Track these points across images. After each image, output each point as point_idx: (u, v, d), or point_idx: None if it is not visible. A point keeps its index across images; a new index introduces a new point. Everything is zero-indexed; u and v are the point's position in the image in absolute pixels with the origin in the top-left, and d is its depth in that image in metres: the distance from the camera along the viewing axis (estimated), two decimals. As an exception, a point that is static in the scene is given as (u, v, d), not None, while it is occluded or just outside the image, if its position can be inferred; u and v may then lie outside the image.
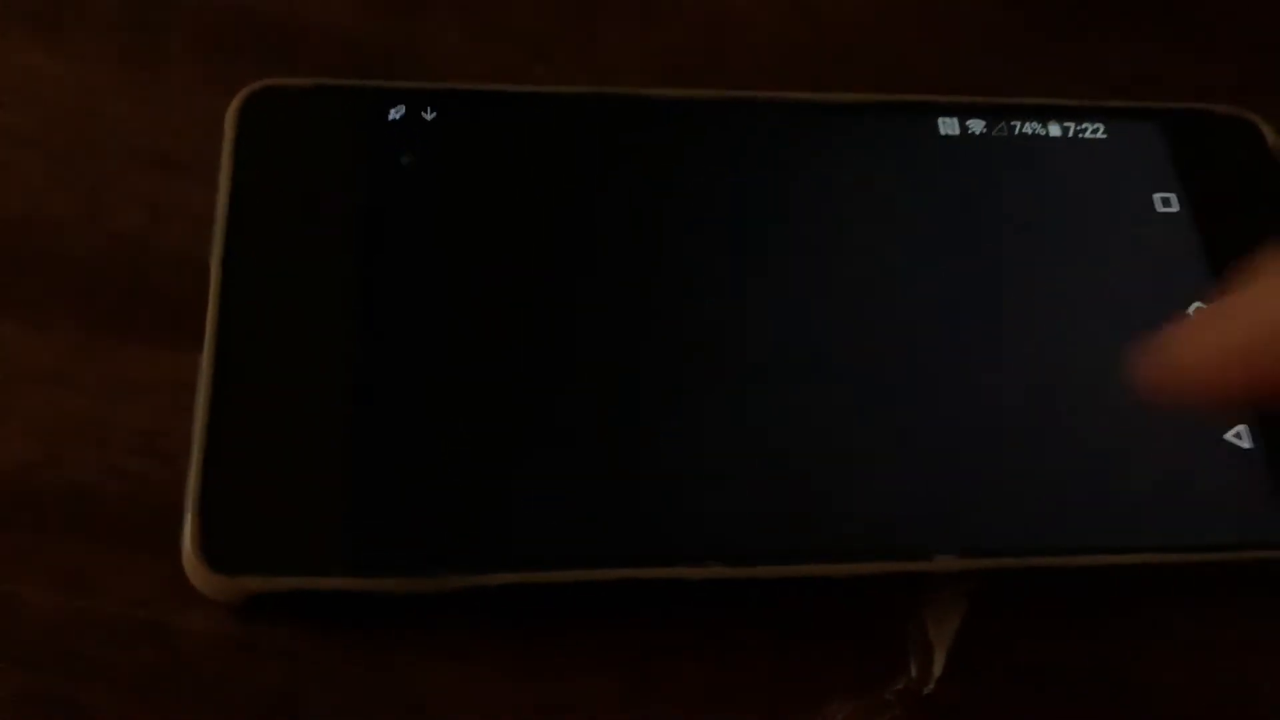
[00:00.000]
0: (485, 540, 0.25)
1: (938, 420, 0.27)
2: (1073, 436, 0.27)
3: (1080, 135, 0.31)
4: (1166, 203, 0.31)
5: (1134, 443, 0.27)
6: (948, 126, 0.31)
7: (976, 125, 0.31)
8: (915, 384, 0.28)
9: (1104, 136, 0.32)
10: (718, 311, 0.28)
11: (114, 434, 0.26)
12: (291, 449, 0.25)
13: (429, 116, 0.29)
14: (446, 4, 0.32)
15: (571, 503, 0.25)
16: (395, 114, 0.29)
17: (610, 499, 0.25)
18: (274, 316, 0.26)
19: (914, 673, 0.26)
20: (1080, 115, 0.32)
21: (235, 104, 0.28)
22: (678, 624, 0.26)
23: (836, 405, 0.27)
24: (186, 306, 0.26)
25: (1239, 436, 0.28)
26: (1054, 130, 0.31)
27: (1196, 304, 0.29)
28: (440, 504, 0.25)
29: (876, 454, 0.27)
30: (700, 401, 0.27)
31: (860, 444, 0.27)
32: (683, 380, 0.27)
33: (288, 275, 0.27)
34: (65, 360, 0.26)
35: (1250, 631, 0.27)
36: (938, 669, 0.26)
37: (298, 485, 0.25)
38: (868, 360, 0.28)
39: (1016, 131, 0.31)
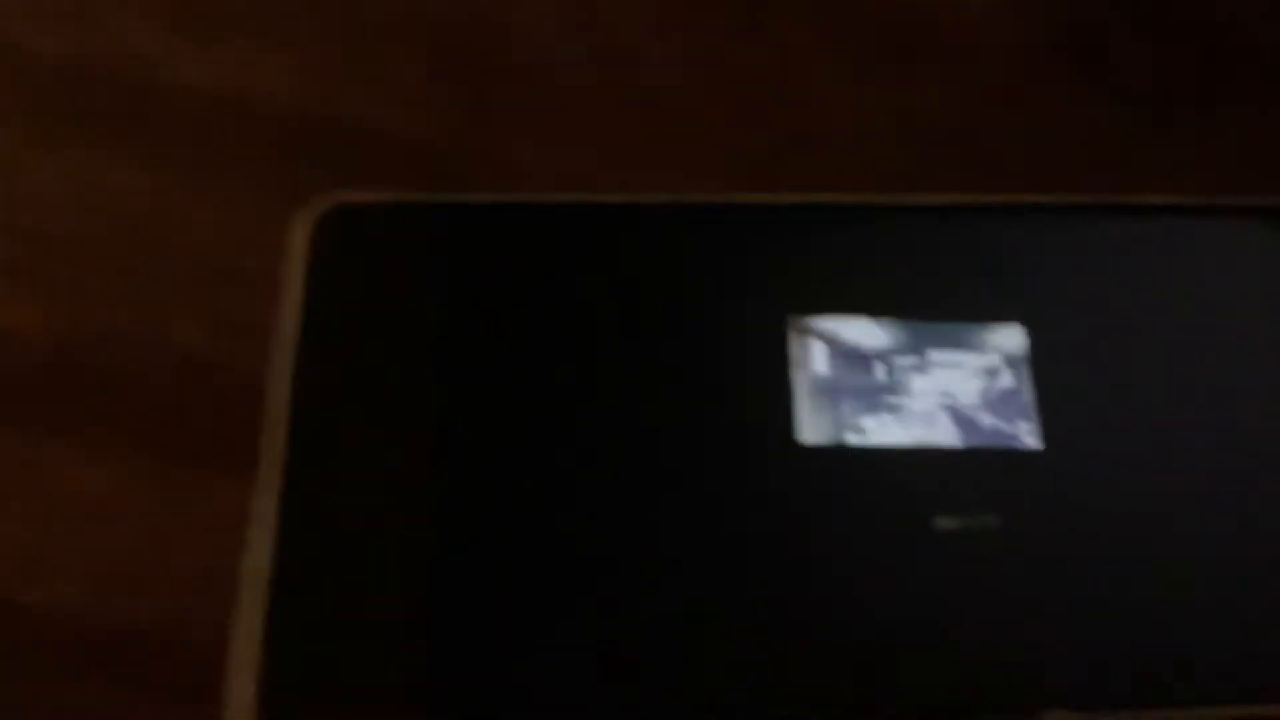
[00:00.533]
0: (580, 700, 0.23)
1: (1036, 552, 0.25)
2: (1191, 567, 0.25)
3: (1204, 233, 0.30)
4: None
5: (1256, 573, 0.25)
6: (1058, 225, 0.29)
7: (1098, 225, 0.29)
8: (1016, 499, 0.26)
9: (1226, 233, 0.30)
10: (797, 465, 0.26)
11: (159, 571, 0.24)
12: (364, 596, 0.23)
13: (507, 232, 0.28)
14: (525, 110, 0.31)
15: (628, 658, 0.23)
16: (470, 231, 0.28)
17: (665, 653, 0.23)
18: (343, 448, 0.25)
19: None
20: (1201, 212, 0.30)
21: (307, 222, 0.27)
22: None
23: (918, 541, 0.25)
24: (240, 432, 0.25)
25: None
26: (1177, 229, 0.30)
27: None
28: (530, 659, 0.23)
29: (970, 596, 0.25)
30: (773, 538, 0.25)
31: (949, 579, 0.25)
32: (754, 515, 0.25)
33: (359, 403, 0.25)
34: (116, 490, 0.25)
35: None
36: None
37: (370, 637, 0.23)
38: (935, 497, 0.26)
39: (1142, 233, 0.29)
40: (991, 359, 0.27)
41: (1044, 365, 0.27)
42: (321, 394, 0.25)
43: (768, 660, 0.23)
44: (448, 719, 0.23)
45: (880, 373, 0.27)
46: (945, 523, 0.25)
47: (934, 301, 0.28)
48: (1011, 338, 0.27)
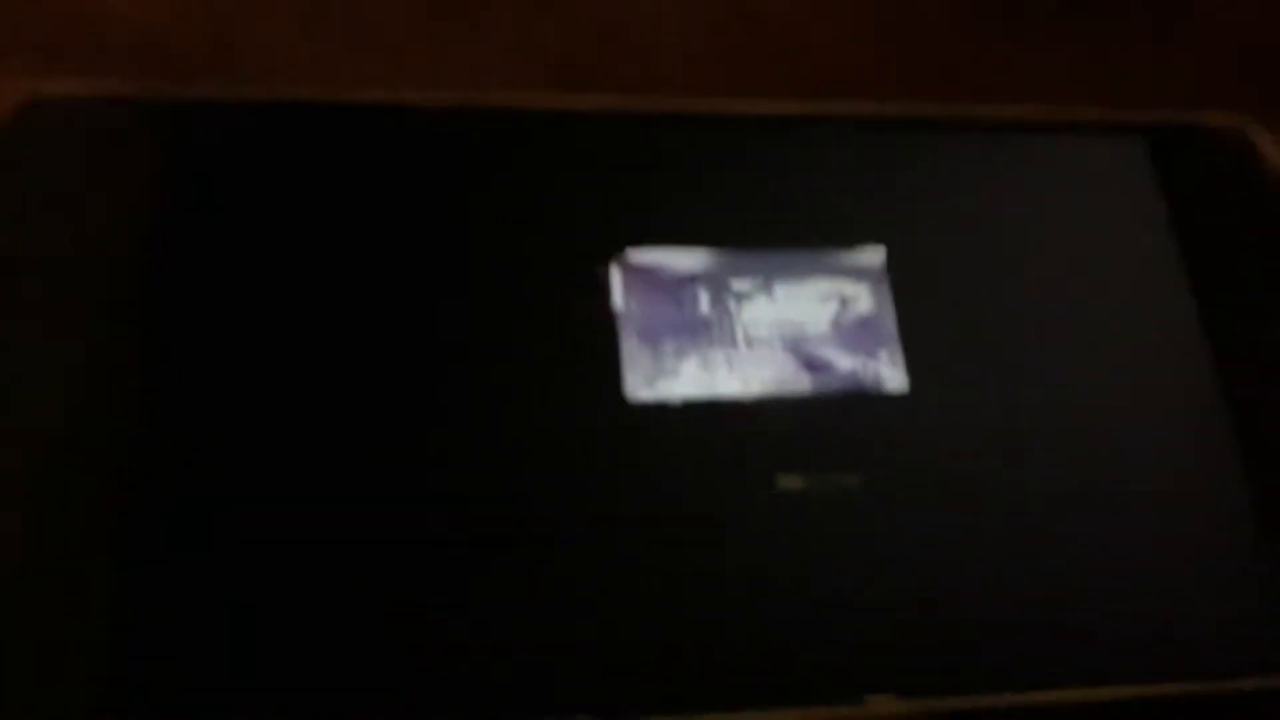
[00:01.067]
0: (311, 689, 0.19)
1: (866, 537, 0.22)
2: (1035, 543, 0.22)
3: (1059, 150, 0.26)
4: (1152, 224, 0.26)
5: (1104, 552, 0.22)
6: (906, 144, 0.26)
7: (941, 140, 0.26)
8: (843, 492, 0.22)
9: (1085, 151, 0.27)
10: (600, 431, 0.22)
11: None
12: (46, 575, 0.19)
13: (234, 133, 0.23)
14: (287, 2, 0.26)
15: (407, 644, 0.20)
16: (191, 129, 0.23)
17: (459, 634, 0.20)
18: (34, 403, 0.21)
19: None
20: (1059, 129, 0.27)
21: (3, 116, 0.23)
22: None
23: (750, 510, 0.22)
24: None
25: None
26: (1030, 145, 0.26)
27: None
28: (228, 648, 0.19)
29: (793, 581, 0.21)
30: (581, 533, 0.21)
31: (773, 570, 0.21)
32: (560, 510, 0.21)
33: (52, 342, 0.21)
34: None
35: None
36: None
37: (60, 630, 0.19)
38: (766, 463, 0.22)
39: (988, 148, 0.26)
40: (847, 289, 0.24)
41: (906, 296, 0.24)
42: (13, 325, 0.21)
43: (588, 638, 0.20)
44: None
45: (719, 312, 0.23)
46: (789, 482, 0.22)
47: (779, 226, 0.24)
48: (869, 263, 0.24)
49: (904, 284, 0.24)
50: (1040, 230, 0.25)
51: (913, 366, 0.23)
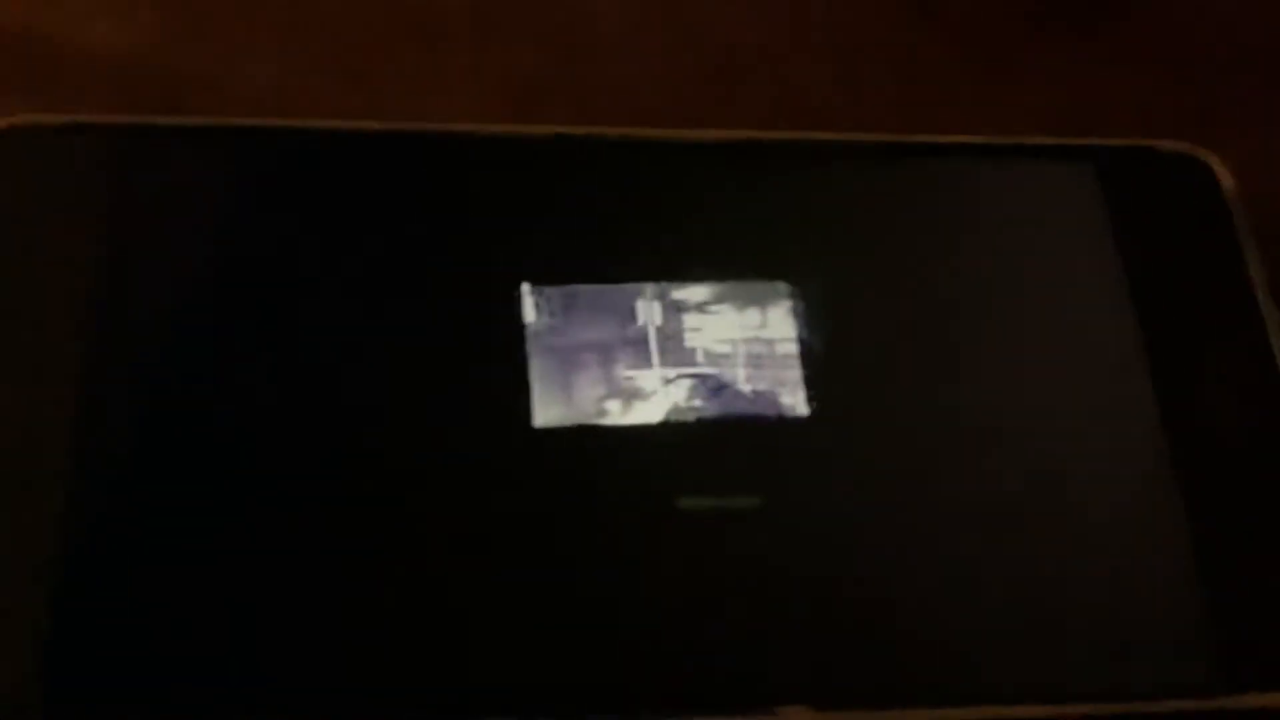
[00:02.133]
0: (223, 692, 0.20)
1: (783, 536, 0.22)
2: (960, 550, 0.23)
3: (1008, 178, 0.27)
4: (1103, 253, 0.26)
5: (1032, 567, 0.23)
6: (858, 169, 0.26)
7: (886, 167, 0.26)
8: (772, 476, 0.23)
9: (1031, 176, 0.27)
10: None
11: None
12: None
13: (208, 162, 0.24)
14: (261, 29, 0.28)
15: (333, 648, 0.21)
16: (165, 157, 0.24)
17: (384, 642, 0.21)
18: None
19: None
20: (1007, 154, 0.27)
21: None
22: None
23: (660, 526, 0.22)
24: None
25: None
26: (975, 169, 0.27)
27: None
28: (163, 644, 0.20)
29: (703, 582, 0.22)
30: (504, 523, 0.22)
31: (695, 564, 0.22)
32: (485, 500, 0.22)
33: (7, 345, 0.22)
34: None
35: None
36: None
37: None
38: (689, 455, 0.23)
39: (934, 175, 0.26)
40: (754, 321, 0.24)
41: (812, 325, 0.24)
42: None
43: (501, 654, 0.21)
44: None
45: (628, 342, 0.24)
46: (691, 503, 0.22)
47: (693, 257, 0.25)
48: (776, 296, 0.24)
49: (824, 311, 0.24)
50: (982, 255, 0.26)
51: (823, 392, 0.24)
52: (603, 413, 0.23)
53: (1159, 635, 0.22)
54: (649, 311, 0.24)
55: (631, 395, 0.23)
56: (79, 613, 0.20)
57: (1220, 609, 0.22)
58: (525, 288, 0.24)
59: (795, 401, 0.23)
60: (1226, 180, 0.27)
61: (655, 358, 0.24)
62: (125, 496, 0.21)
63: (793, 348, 0.24)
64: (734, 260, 0.25)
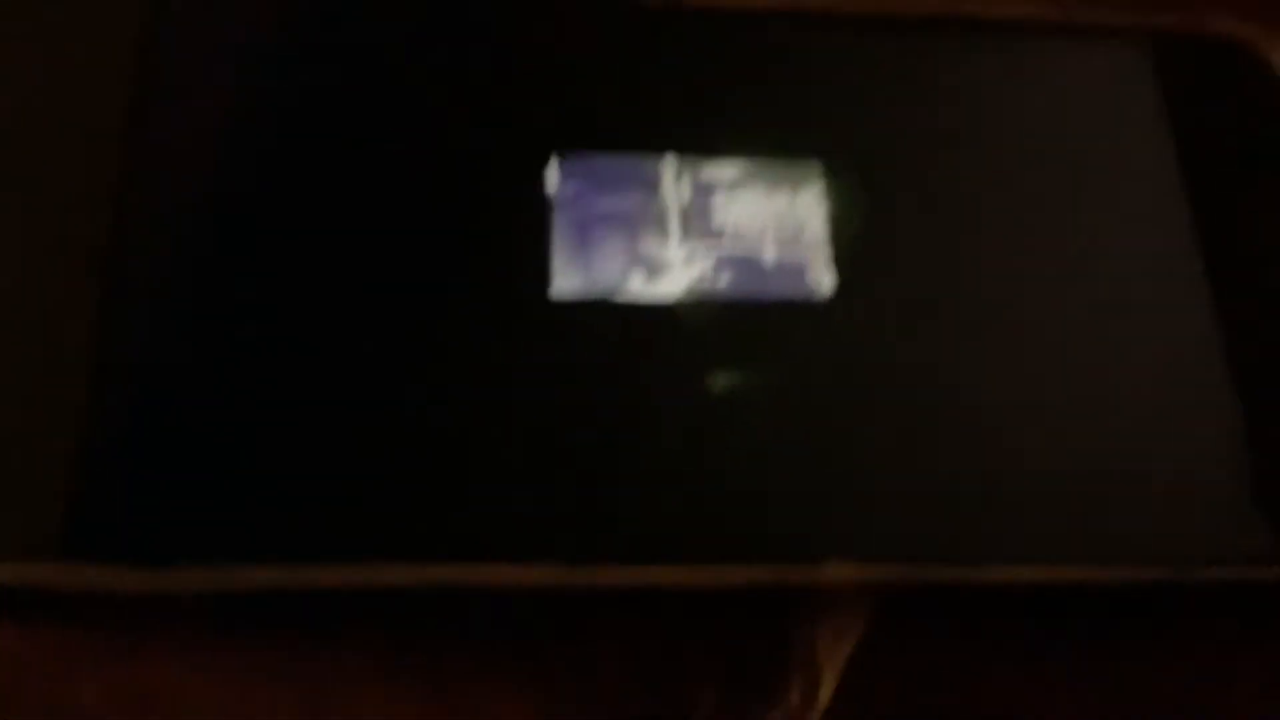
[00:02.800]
0: (238, 530, 0.20)
1: (828, 395, 0.22)
2: (1001, 417, 0.22)
3: (1056, 54, 0.26)
4: (1150, 131, 0.25)
5: (1077, 435, 0.22)
6: (899, 44, 0.26)
7: (934, 44, 0.26)
8: (803, 350, 0.22)
9: (1083, 56, 0.26)
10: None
11: None
12: (8, 410, 0.20)
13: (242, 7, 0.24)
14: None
15: (355, 489, 0.20)
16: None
17: (405, 480, 0.20)
18: (11, 242, 0.21)
19: (795, 700, 0.21)
20: (1054, 32, 0.26)
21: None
22: (500, 642, 0.20)
23: (695, 392, 0.22)
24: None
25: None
26: (1025, 48, 0.26)
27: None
28: (188, 487, 0.20)
29: (750, 435, 0.21)
30: (524, 364, 0.21)
31: (728, 422, 0.22)
32: (494, 340, 0.22)
33: (27, 192, 0.22)
34: None
35: (1203, 666, 0.22)
36: (825, 698, 0.21)
37: (12, 456, 0.20)
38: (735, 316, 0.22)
39: (981, 51, 0.26)
40: (783, 199, 0.24)
41: (843, 203, 0.24)
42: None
43: (527, 506, 0.21)
44: (92, 541, 0.19)
45: (652, 216, 0.23)
46: (720, 377, 0.22)
47: (718, 132, 0.24)
48: (807, 175, 0.24)
49: (866, 192, 0.24)
50: (1031, 137, 0.25)
51: (850, 276, 0.23)
52: (623, 285, 0.22)
53: (1204, 503, 0.22)
54: (676, 185, 0.24)
55: (654, 269, 0.23)
56: (102, 449, 0.20)
57: (1265, 482, 0.22)
58: (554, 159, 0.23)
59: (822, 284, 0.23)
60: (1276, 60, 0.26)
61: (679, 232, 0.23)
62: (152, 337, 0.21)
63: (821, 228, 0.23)
64: (762, 136, 0.24)
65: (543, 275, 0.22)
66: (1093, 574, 0.21)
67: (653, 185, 0.23)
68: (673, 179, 0.24)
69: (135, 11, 0.23)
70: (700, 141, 0.24)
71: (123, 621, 0.20)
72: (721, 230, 0.23)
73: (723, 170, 0.24)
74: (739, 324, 0.23)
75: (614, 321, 0.22)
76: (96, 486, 0.20)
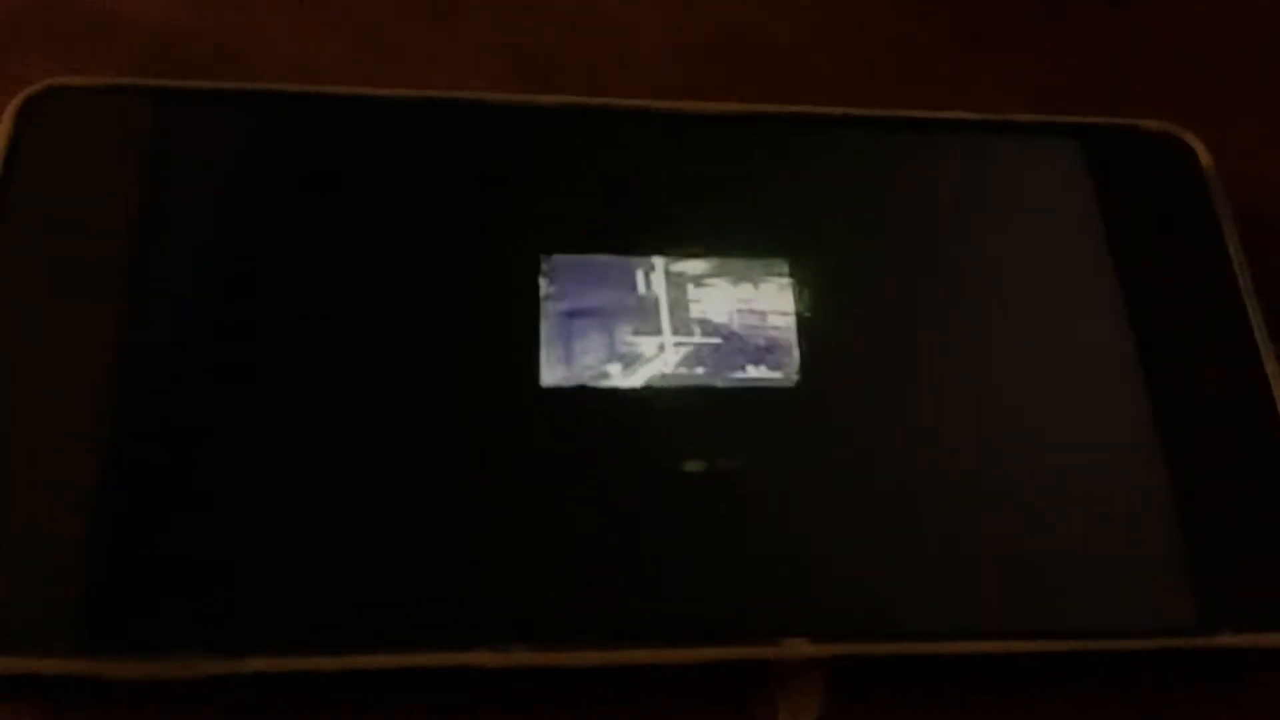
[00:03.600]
0: (241, 620, 0.21)
1: (788, 486, 0.24)
2: (951, 496, 0.24)
3: (991, 150, 0.28)
4: (1086, 227, 0.27)
5: (1020, 514, 0.24)
6: (850, 143, 0.27)
7: (876, 140, 0.28)
8: (768, 433, 0.24)
9: (1016, 152, 0.28)
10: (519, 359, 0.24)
11: None
12: (24, 507, 0.21)
13: (236, 124, 0.25)
14: (285, 4, 0.29)
15: (344, 577, 0.22)
16: (197, 120, 0.25)
17: (393, 574, 0.22)
18: (27, 352, 0.23)
19: (760, 773, 0.22)
20: (995, 130, 0.28)
21: (13, 105, 0.25)
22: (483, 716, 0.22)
23: (658, 458, 0.23)
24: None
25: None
26: (961, 145, 0.28)
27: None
28: (190, 579, 0.21)
29: (715, 517, 0.23)
30: (503, 460, 0.23)
31: (693, 508, 0.23)
32: (486, 439, 0.23)
33: (42, 307, 0.23)
34: None
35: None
36: (787, 770, 0.22)
37: (28, 551, 0.21)
38: (695, 404, 0.24)
39: (923, 149, 0.28)
40: (748, 293, 0.25)
41: (806, 298, 0.25)
42: (9, 286, 0.23)
43: (500, 590, 0.22)
44: (104, 634, 0.21)
45: (631, 310, 0.25)
46: (693, 465, 0.24)
47: (690, 231, 0.26)
48: (772, 271, 0.26)
49: (818, 285, 0.26)
50: (966, 229, 0.27)
51: (812, 362, 0.25)
52: (605, 375, 0.24)
53: (1138, 577, 0.23)
54: (651, 282, 0.25)
55: (631, 358, 0.24)
56: (115, 546, 0.21)
57: (1197, 553, 0.24)
58: (542, 258, 0.25)
59: (788, 370, 0.25)
60: (1205, 159, 0.28)
61: (655, 324, 0.25)
62: (163, 441, 0.22)
63: (786, 320, 0.25)
64: (730, 234, 0.26)
65: (533, 366, 0.24)
66: (1036, 646, 0.23)
67: (631, 282, 0.25)
68: (647, 276, 0.25)
69: (143, 135, 0.25)
70: (673, 240, 0.26)
71: (134, 708, 0.21)
72: (695, 322, 0.25)
73: (695, 267, 0.26)
74: (709, 408, 0.24)
75: (594, 407, 0.24)
76: (108, 581, 0.21)
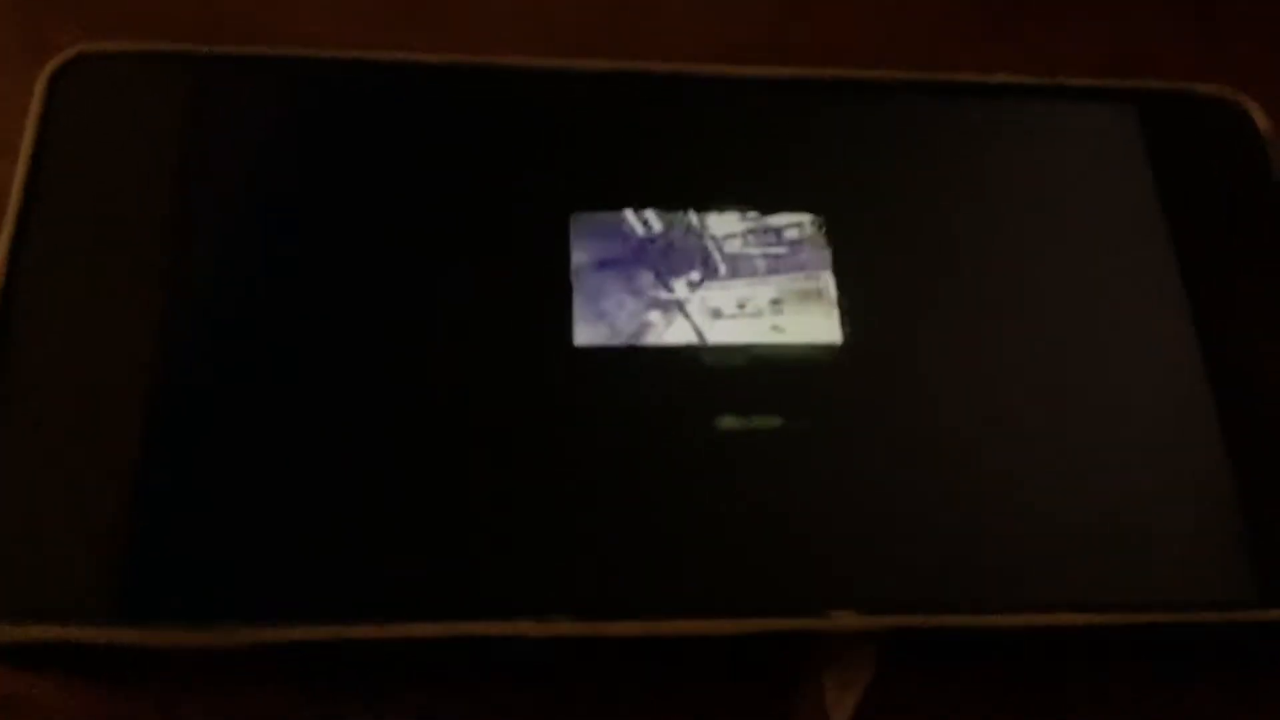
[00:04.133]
0: (282, 589, 0.21)
1: (834, 450, 0.23)
2: (1005, 469, 0.23)
3: (1047, 115, 0.27)
4: (1137, 190, 0.26)
5: (1072, 484, 0.23)
6: (908, 107, 0.27)
7: (935, 104, 0.27)
8: (813, 408, 0.23)
9: (1073, 117, 0.27)
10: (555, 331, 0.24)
11: None
12: (65, 478, 0.21)
13: (269, 90, 0.25)
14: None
15: (386, 546, 0.21)
16: (228, 86, 0.25)
17: (435, 543, 0.21)
18: (65, 323, 0.22)
19: (808, 749, 0.22)
20: (1051, 94, 0.28)
21: (45, 73, 0.25)
22: (525, 691, 0.22)
23: (706, 439, 0.23)
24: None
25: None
26: (1017, 110, 0.27)
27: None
28: (231, 548, 0.21)
29: (760, 491, 0.22)
30: (541, 425, 0.23)
31: (739, 478, 0.23)
32: (522, 402, 0.23)
33: (82, 275, 0.23)
34: None
35: (1195, 705, 0.23)
36: (835, 745, 0.22)
37: (69, 521, 0.21)
38: (745, 375, 0.24)
39: (977, 114, 0.27)
40: (787, 251, 0.25)
41: (845, 256, 0.25)
42: (45, 256, 0.23)
43: (543, 560, 0.22)
44: (143, 602, 0.20)
45: (667, 268, 0.24)
46: (730, 423, 0.23)
47: (728, 188, 0.25)
48: (809, 227, 0.25)
49: (866, 247, 0.25)
50: (1022, 194, 0.26)
51: (859, 325, 0.24)
52: (640, 334, 0.24)
53: (1196, 551, 0.23)
54: (686, 238, 0.25)
55: (671, 319, 0.24)
56: (155, 515, 0.21)
57: (1257, 528, 0.23)
58: (574, 221, 0.24)
59: (831, 331, 0.24)
60: (1263, 122, 0.27)
61: (691, 282, 0.24)
62: (204, 409, 0.22)
63: (828, 279, 0.25)
64: (775, 194, 0.25)
65: (566, 326, 0.23)
66: (1090, 619, 0.22)
67: (666, 239, 0.25)
68: (684, 233, 0.25)
69: (176, 102, 0.25)
70: (711, 198, 0.25)
71: (174, 676, 0.21)
72: (733, 281, 0.25)
73: (734, 224, 0.25)
74: (751, 368, 0.24)
75: (633, 368, 0.23)
76: (148, 550, 0.21)
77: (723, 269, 0.25)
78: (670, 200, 0.25)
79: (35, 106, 0.24)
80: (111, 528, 0.21)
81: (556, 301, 0.24)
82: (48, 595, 0.20)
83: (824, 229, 0.25)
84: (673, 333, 0.24)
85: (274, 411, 0.22)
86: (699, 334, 0.24)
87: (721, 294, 0.24)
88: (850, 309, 0.24)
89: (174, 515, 0.21)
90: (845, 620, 0.21)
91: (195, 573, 0.21)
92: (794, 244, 0.25)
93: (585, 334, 0.23)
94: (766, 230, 0.25)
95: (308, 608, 0.21)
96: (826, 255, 0.25)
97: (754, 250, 0.25)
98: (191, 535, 0.21)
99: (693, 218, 0.25)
